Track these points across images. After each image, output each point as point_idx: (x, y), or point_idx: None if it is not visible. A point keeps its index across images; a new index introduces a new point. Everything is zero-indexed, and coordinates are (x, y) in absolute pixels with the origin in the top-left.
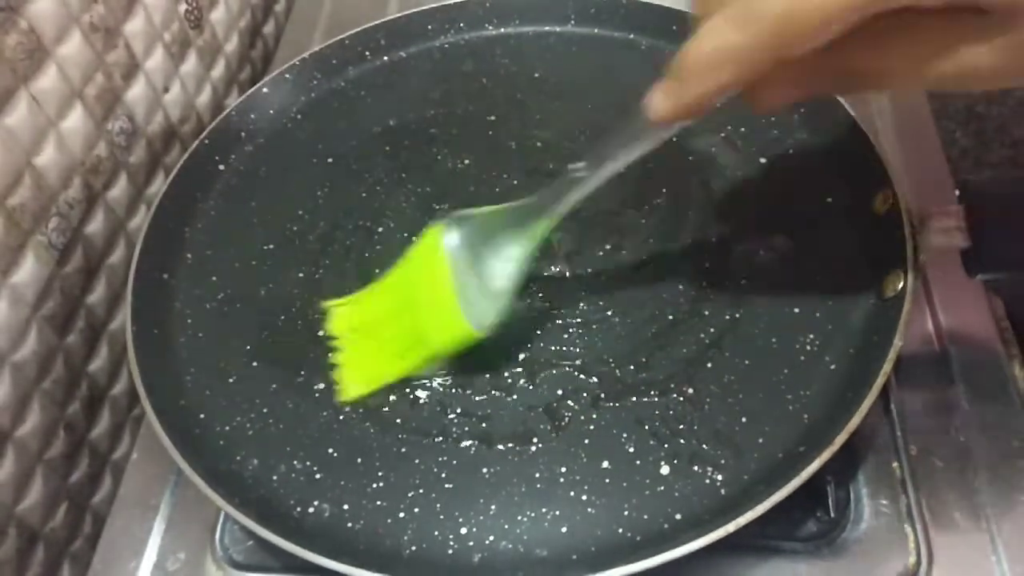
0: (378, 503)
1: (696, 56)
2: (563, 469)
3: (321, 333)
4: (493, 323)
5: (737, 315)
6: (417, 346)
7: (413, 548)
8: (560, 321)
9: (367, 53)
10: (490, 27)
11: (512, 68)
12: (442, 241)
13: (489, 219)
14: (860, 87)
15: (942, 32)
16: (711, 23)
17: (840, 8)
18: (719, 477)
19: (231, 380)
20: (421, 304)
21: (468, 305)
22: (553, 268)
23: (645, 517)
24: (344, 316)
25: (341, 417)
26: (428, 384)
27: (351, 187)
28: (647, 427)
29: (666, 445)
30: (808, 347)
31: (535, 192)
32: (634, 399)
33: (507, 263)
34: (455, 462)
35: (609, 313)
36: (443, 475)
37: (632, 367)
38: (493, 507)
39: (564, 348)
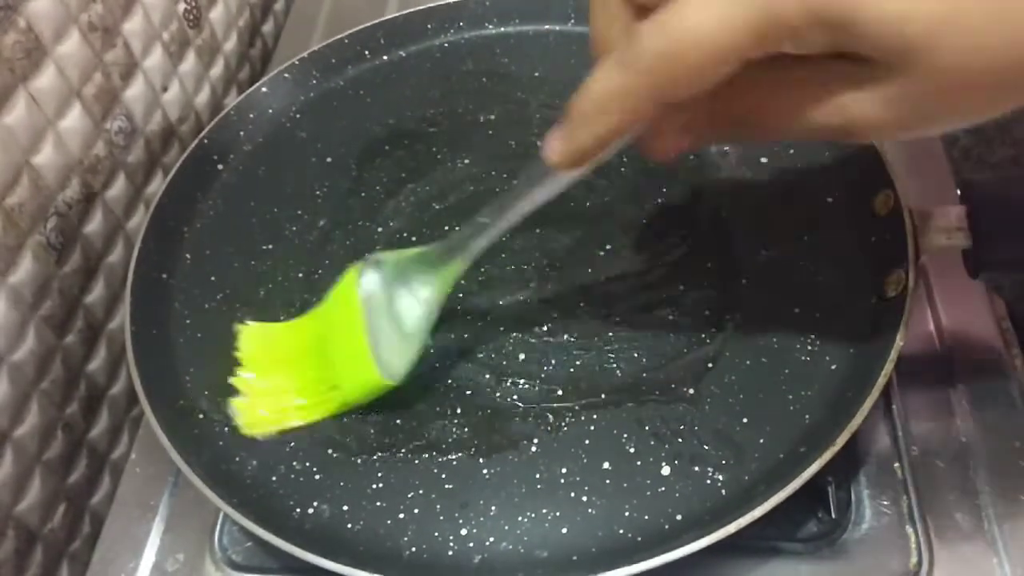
0: (378, 504)
1: (585, 99)
2: (563, 470)
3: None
4: (404, 371)
5: (738, 315)
6: (329, 393)
7: (413, 549)
8: (558, 323)
9: (366, 52)
10: (490, 26)
11: (512, 67)
12: (358, 283)
13: (404, 262)
14: (748, 136)
15: (824, 81)
16: (601, 65)
17: (716, 49)
18: (720, 478)
19: (230, 380)
20: (334, 349)
21: (381, 351)
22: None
23: (646, 518)
24: (257, 344)
25: (339, 418)
26: (427, 383)
27: (350, 187)
28: (648, 428)
29: (667, 446)
30: (809, 347)
31: (446, 238)
32: (635, 400)
33: (419, 306)
34: (455, 463)
35: (609, 314)
36: (443, 476)
37: (633, 368)
38: (493, 508)
39: (564, 349)
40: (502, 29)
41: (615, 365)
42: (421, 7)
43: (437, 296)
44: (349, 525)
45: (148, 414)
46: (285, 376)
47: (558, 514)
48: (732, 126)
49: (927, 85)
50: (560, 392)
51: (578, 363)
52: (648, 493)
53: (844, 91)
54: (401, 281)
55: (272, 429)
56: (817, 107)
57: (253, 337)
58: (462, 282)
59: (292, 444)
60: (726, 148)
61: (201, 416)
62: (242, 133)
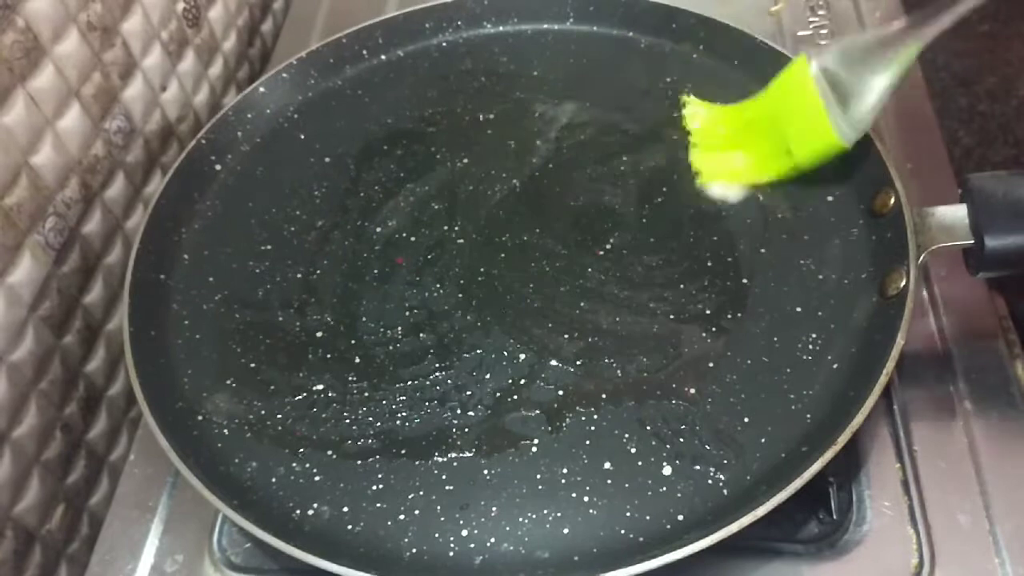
0: (378, 505)
1: None
2: (564, 470)
3: (320, 334)
4: (855, 137)
5: (739, 314)
6: (781, 155)
7: (414, 550)
8: (558, 324)
9: (364, 52)
10: (488, 25)
11: (510, 67)
12: (809, 68)
13: (854, 51)
14: None
15: None
16: None
17: None
18: (721, 477)
19: (228, 382)
20: (788, 119)
21: (834, 119)
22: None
23: (647, 518)
24: (706, 117)
25: (341, 419)
26: (427, 383)
27: (349, 187)
28: (649, 427)
29: (668, 445)
30: (810, 346)
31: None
32: (636, 399)
33: (871, 93)
34: (455, 464)
35: (609, 313)
36: (443, 477)
37: (633, 368)
38: (494, 509)
39: (564, 349)
40: (500, 28)
41: (616, 365)
42: (419, 6)
43: (892, 83)
44: (349, 526)
45: (146, 415)
46: (737, 144)
47: (559, 514)
48: None
49: None
50: (561, 392)
51: (579, 363)
52: (649, 493)
53: None
54: (849, 68)
55: (729, 180)
56: None
57: (703, 114)
58: (460, 282)
59: (291, 446)
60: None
61: (200, 417)
62: (240, 133)
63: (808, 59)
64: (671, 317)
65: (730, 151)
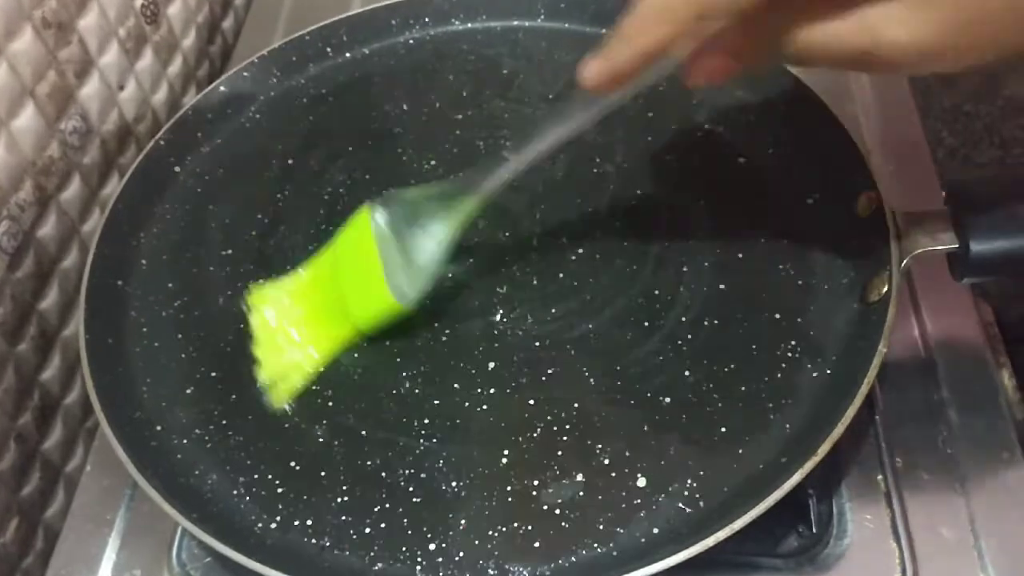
0: (343, 518)
1: (629, 18)
2: (535, 482)
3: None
4: (415, 299)
5: (716, 321)
6: (340, 322)
7: (380, 565)
8: (532, 330)
9: (329, 50)
10: (456, 22)
11: (479, 64)
12: (370, 220)
13: (417, 199)
14: (782, 58)
15: None
16: None
17: None
18: (698, 489)
19: (188, 391)
20: (346, 280)
21: (394, 278)
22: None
23: (621, 531)
24: (267, 297)
25: (304, 428)
26: (395, 392)
27: (313, 189)
28: (623, 437)
29: (642, 456)
30: (789, 354)
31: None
32: (608, 409)
33: (432, 242)
34: (423, 475)
35: (583, 321)
36: (410, 489)
37: (606, 376)
38: (463, 522)
39: (536, 357)
40: (469, 25)
41: (588, 373)
42: (385, 3)
43: (451, 234)
44: (313, 540)
45: (104, 425)
46: (298, 318)
47: (530, 528)
48: (770, 46)
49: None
50: (532, 402)
51: (550, 371)
52: (623, 505)
53: (875, 8)
54: (414, 218)
55: (298, 386)
56: (846, 23)
57: (264, 295)
58: (426, 302)
59: (253, 457)
60: (705, 147)
61: (159, 428)
62: (200, 134)
63: (372, 210)
64: (645, 324)
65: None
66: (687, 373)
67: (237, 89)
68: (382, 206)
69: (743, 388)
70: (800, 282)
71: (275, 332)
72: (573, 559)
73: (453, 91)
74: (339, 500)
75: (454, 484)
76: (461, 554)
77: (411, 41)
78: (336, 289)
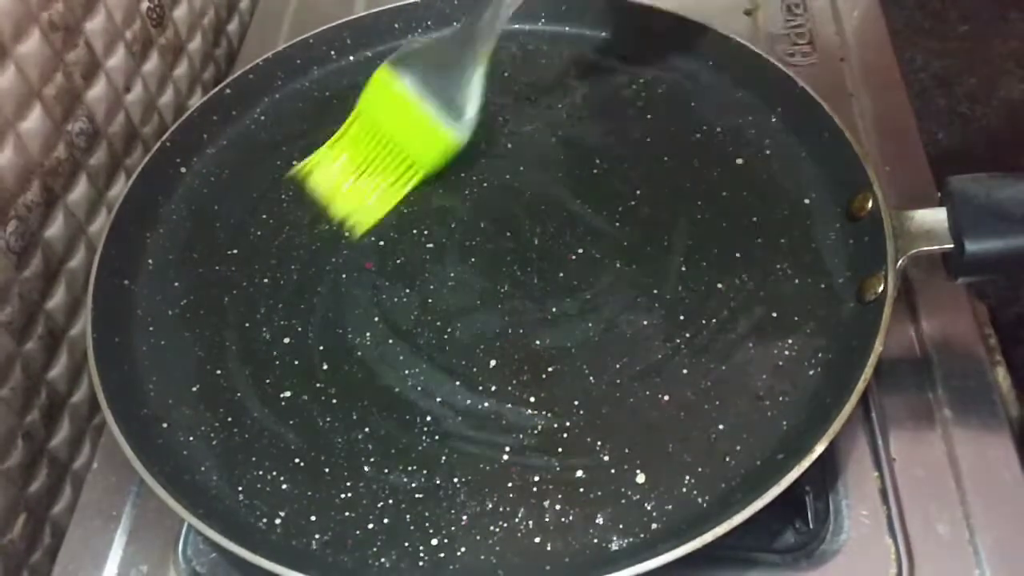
0: (346, 514)
1: None
2: (536, 478)
3: (287, 341)
4: (471, 127)
5: (714, 320)
6: (409, 171)
7: (382, 560)
8: (532, 329)
9: (332, 53)
10: (457, 25)
11: None
12: (394, 78)
13: (431, 52)
14: None
15: None
16: None
17: None
18: (696, 485)
19: (194, 389)
20: (397, 135)
21: (442, 118)
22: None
23: (620, 527)
24: (323, 169)
25: (307, 426)
26: (396, 391)
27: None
28: (622, 434)
29: (641, 453)
30: (787, 352)
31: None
32: (608, 406)
33: (467, 85)
34: (425, 471)
35: (583, 321)
36: (412, 486)
37: (605, 374)
38: (464, 518)
39: (536, 355)
40: None
41: (588, 372)
42: (388, 6)
43: (483, 70)
44: (317, 536)
45: (110, 423)
46: (364, 178)
47: (531, 523)
48: None
49: None
50: (532, 399)
51: (550, 369)
52: (623, 501)
53: None
54: (435, 70)
55: (378, 217)
56: None
57: (319, 168)
58: (430, 287)
59: (257, 454)
60: (702, 148)
61: (165, 425)
62: (206, 135)
63: (393, 71)
64: (644, 323)
65: (354, 180)
66: (685, 371)
67: (242, 91)
68: (398, 65)
69: (741, 385)
70: (797, 281)
71: (340, 181)
72: (573, 555)
73: None
74: (342, 497)
75: (456, 481)
76: (463, 550)
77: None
78: (393, 146)
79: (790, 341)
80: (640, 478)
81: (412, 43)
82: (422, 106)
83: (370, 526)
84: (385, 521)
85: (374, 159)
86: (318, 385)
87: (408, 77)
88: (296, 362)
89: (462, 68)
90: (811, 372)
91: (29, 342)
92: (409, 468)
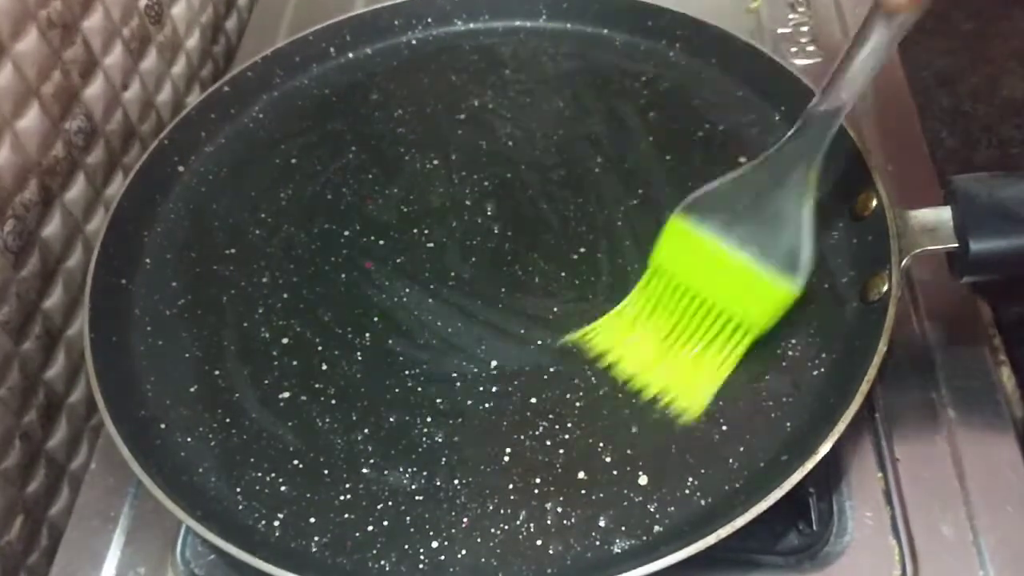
0: (345, 516)
1: None
2: (537, 480)
3: (286, 340)
4: (807, 275)
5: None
6: (737, 332)
7: (382, 563)
8: (533, 329)
9: (332, 50)
10: (459, 22)
11: (481, 65)
12: (692, 228)
13: (735, 188)
14: None
15: None
16: None
17: None
18: (699, 487)
19: (192, 389)
20: (711, 293)
21: (769, 262)
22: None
23: (623, 528)
24: (627, 344)
25: (306, 427)
26: (397, 391)
27: (315, 189)
28: (624, 436)
29: (644, 454)
30: (790, 352)
31: (777, 144)
32: (609, 407)
33: (788, 222)
34: (425, 473)
35: (584, 321)
36: (412, 487)
37: (607, 374)
38: (465, 520)
39: (537, 356)
40: (471, 25)
41: (590, 372)
42: (388, 3)
43: (808, 201)
44: (316, 538)
45: (108, 424)
46: (683, 345)
47: (532, 526)
48: None
49: None
50: (534, 400)
51: (552, 370)
52: (625, 503)
53: None
54: (744, 209)
55: (710, 395)
56: None
57: (619, 340)
58: (430, 286)
59: (256, 455)
60: (704, 148)
61: (163, 426)
62: (204, 133)
63: (688, 219)
64: None
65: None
66: None
67: (240, 89)
68: (692, 211)
69: (744, 386)
70: None
71: (648, 354)
72: (575, 557)
73: (456, 91)
74: (342, 498)
75: (456, 483)
76: (463, 552)
77: (414, 42)
78: (712, 308)
79: (793, 341)
80: (642, 479)
81: (701, 188)
82: (738, 256)
83: (370, 528)
84: (385, 523)
85: (687, 325)
86: (317, 385)
87: (709, 223)
88: (295, 362)
89: (777, 204)
90: (815, 372)
91: (26, 342)
92: (409, 469)
